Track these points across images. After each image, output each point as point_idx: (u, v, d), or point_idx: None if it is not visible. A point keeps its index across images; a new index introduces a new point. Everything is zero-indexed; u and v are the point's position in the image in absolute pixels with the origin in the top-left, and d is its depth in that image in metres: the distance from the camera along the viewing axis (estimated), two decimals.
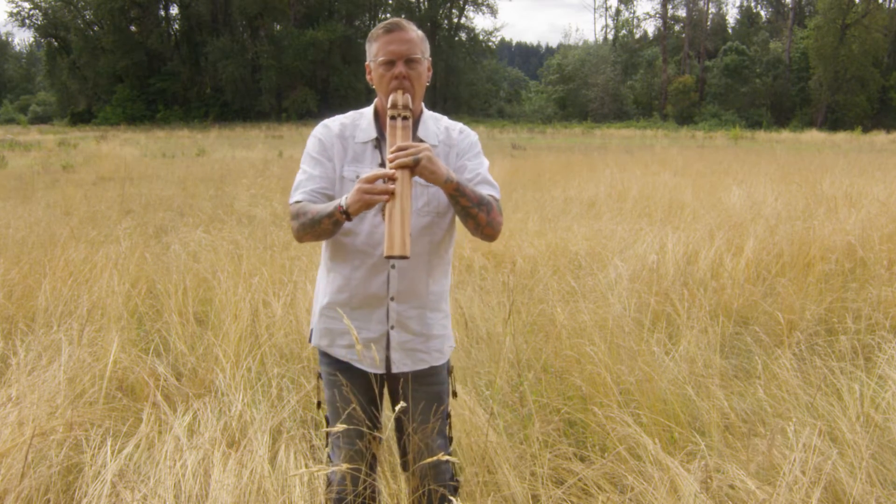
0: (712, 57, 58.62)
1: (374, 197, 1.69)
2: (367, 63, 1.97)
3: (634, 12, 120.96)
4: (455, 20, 62.19)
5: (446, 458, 1.91)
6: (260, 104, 53.29)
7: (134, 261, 5.12)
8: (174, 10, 59.32)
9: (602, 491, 2.35)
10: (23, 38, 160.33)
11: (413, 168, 1.72)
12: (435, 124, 2.03)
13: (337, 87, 54.22)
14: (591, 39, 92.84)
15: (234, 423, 2.84)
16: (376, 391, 2.07)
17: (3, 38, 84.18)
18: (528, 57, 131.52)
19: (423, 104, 2.00)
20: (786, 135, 37.39)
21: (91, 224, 7.19)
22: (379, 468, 2.60)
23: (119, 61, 53.74)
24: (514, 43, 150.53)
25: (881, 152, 22.56)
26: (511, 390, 3.27)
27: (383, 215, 1.74)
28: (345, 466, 1.96)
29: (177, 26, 59.16)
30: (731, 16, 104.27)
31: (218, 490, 2.25)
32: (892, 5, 54.84)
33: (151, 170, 15.15)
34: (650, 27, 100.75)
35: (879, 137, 33.68)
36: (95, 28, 57.35)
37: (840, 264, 5.13)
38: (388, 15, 59.77)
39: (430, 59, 1.99)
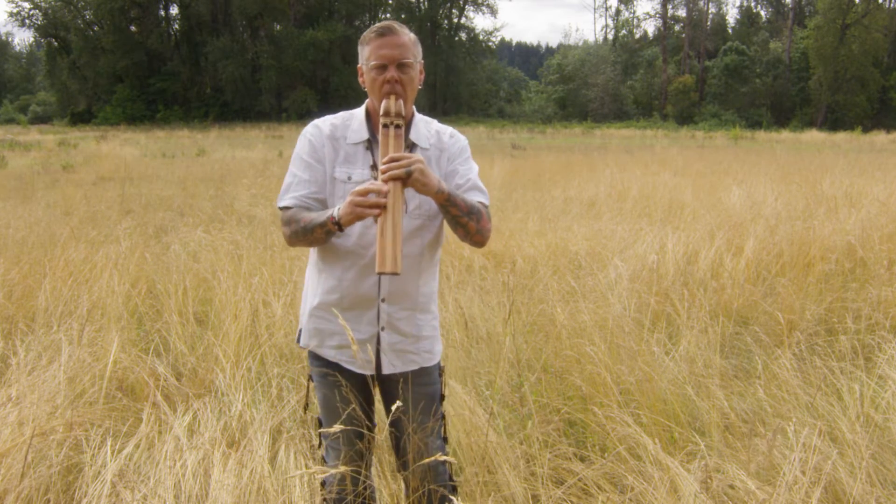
0: (712, 57, 58.63)
1: (366, 210, 1.72)
2: (359, 65, 1.98)
3: (634, 12, 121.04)
4: (455, 20, 62.20)
5: (444, 458, 1.91)
6: (260, 104, 53.30)
7: (134, 261, 5.12)
8: (174, 10, 59.43)
9: (602, 491, 2.35)
10: (23, 38, 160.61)
11: (405, 180, 1.75)
12: (426, 127, 2.04)
13: (337, 87, 54.24)
14: (591, 39, 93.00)
15: (234, 423, 2.84)
16: (372, 391, 2.07)
17: (3, 38, 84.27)
18: (528, 57, 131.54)
19: (413, 107, 2.01)
20: (786, 135, 37.39)
21: (91, 224, 7.19)
22: (379, 468, 2.61)
23: (119, 61, 53.75)
24: (514, 43, 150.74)
25: (881, 152, 22.56)
26: (511, 390, 3.27)
27: (376, 219, 1.78)
28: (342, 468, 1.95)
29: (177, 26, 59.18)
30: (731, 16, 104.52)
31: (218, 490, 2.25)
32: (892, 5, 54.83)
33: (151, 170, 15.15)
34: (650, 27, 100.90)
35: (879, 137, 33.68)
36: (95, 28, 57.37)
37: (840, 264, 5.13)
38: (388, 15, 59.81)
39: (423, 61, 2.01)
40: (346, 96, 52.05)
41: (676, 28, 64.76)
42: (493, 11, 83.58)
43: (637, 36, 67.92)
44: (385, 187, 1.72)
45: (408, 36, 1.91)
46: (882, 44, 51.41)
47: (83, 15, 56.98)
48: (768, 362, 3.39)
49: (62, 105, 58.66)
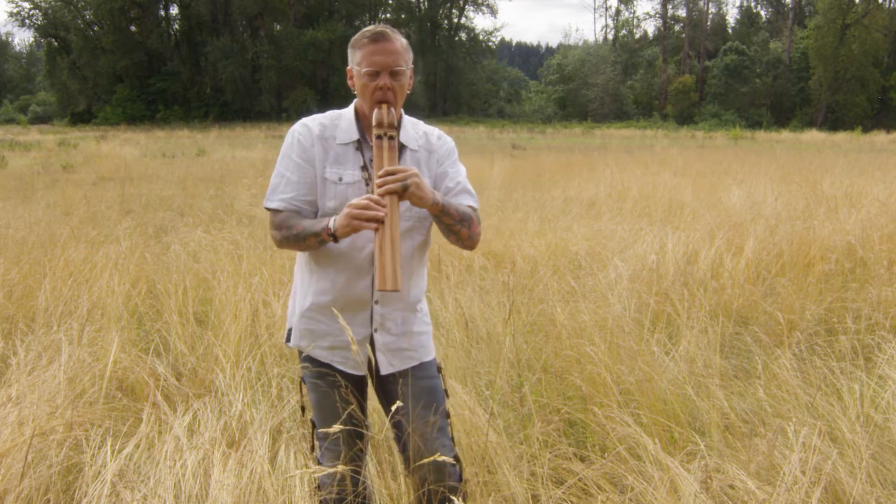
0: (712, 57, 58.63)
1: (364, 224, 1.75)
2: (348, 67, 1.98)
3: (634, 12, 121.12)
4: (455, 20, 62.16)
5: (453, 460, 1.91)
6: (260, 104, 53.30)
7: (134, 261, 5.12)
8: (174, 10, 59.42)
9: (602, 491, 2.35)
10: (23, 38, 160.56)
11: (401, 193, 1.78)
12: (413, 129, 2.05)
13: (337, 87, 54.22)
14: (591, 39, 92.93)
15: (234, 423, 2.84)
16: (371, 389, 2.07)
17: (3, 38, 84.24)
18: (528, 57, 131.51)
19: (402, 110, 2.03)
20: (786, 135, 37.39)
21: (91, 224, 7.19)
22: (379, 469, 2.61)
23: (119, 61, 53.75)
24: (514, 43, 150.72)
25: (881, 152, 22.56)
26: (511, 390, 3.27)
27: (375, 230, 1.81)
28: (340, 468, 1.95)
29: (177, 26, 59.18)
30: (731, 16, 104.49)
31: (218, 490, 2.25)
32: (892, 5, 54.85)
33: (151, 170, 15.15)
34: (650, 27, 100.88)
35: (879, 137, 33.68)
36: (95, 28, 57.37)
37: (840, 264, 5.13)
38: (388, 15, 59.81)
39: (413, 66, 2.03)
40: (346, 96, 50.87)
41: (676, 28, 64.79)
42: (493, 11, 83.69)
43: (637, 36, 67.95)
44: (383, 200, 1.75)
45: (400, 42, 1.92)
46: (882, 44, 51.41)
47: (83, 15, 56.98)
48: (768, 362, 3.39)
49: (62, 105, 58.67)
